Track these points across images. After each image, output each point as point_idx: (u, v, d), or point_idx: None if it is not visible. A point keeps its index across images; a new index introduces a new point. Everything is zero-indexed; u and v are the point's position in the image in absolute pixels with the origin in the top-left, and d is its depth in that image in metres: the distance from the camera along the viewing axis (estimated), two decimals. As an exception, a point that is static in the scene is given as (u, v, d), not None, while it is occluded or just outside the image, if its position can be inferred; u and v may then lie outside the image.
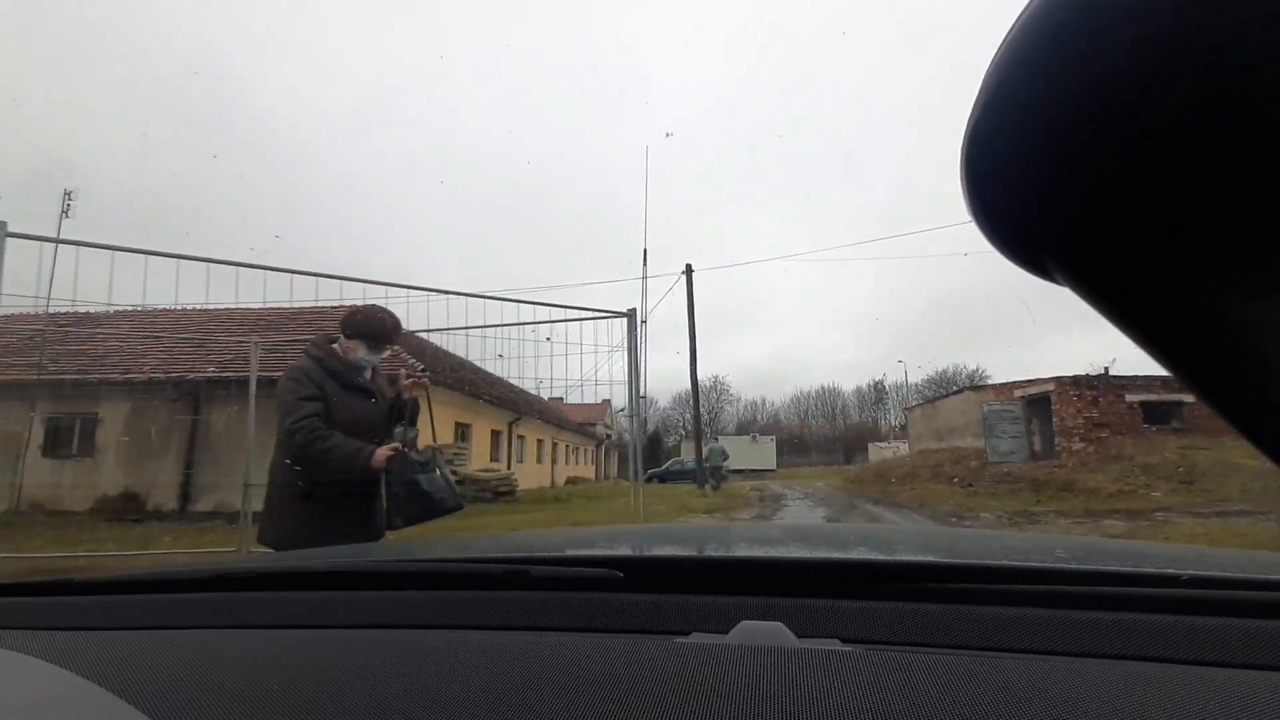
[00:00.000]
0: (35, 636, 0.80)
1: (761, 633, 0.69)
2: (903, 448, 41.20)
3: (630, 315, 6.81)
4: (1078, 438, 16.38)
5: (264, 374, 8.59)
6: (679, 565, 0.97)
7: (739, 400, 78.70)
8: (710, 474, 20.07)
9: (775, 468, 50.95)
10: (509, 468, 20.82)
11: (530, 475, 22.87)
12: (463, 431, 17.81)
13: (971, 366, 62.45)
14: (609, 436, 44.64)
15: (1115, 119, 0.18)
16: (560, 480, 29.44)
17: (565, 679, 0.61)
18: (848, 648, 0.66)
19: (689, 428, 71.77)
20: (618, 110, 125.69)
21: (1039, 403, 18.30)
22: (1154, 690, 0.55)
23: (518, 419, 21.33)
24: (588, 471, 38.59)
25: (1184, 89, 0.17)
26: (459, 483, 12.22)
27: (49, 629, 0.84)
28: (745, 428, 66.79)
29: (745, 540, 1.34)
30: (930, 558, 0.98)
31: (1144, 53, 0.17)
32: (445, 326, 7.84)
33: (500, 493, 14.36)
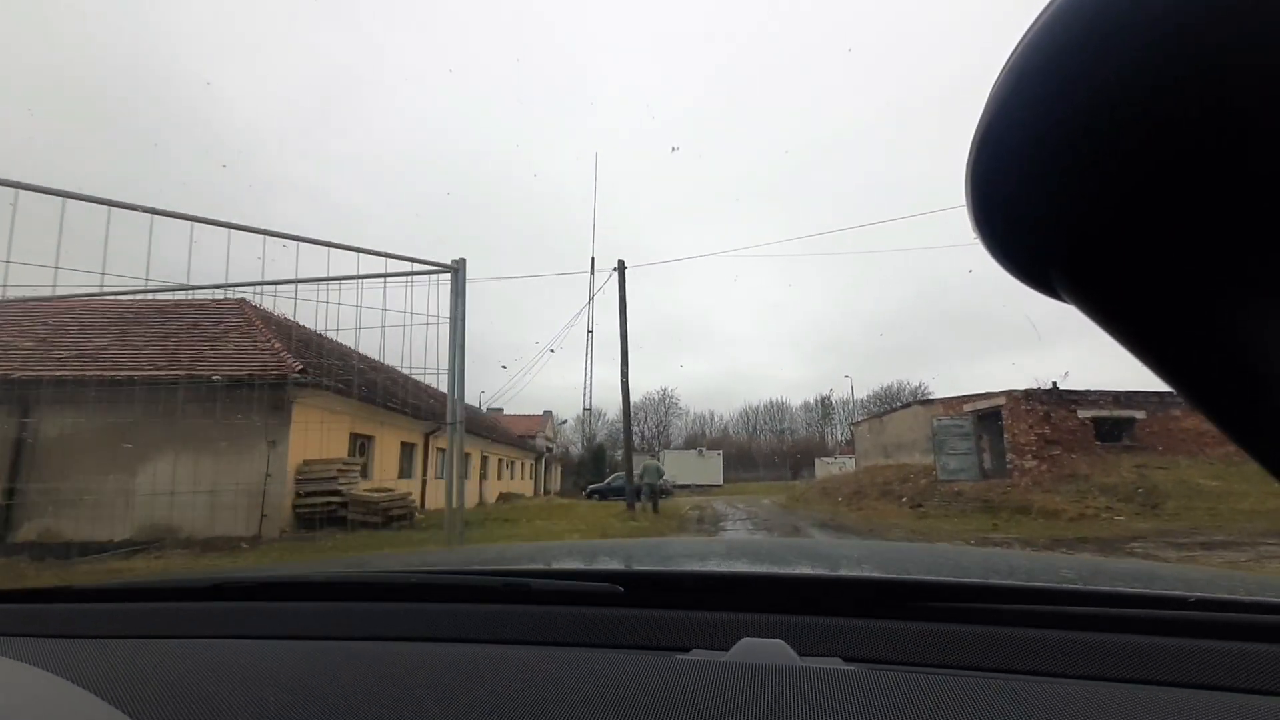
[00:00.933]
0: (32, 643, 0.81)
1: (763, 650, 0.69)
2: (849, 464, 40.67)
3: (456, 270, 5.19)
4: (1030, 455, 15.49)
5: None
6: (680, 580, 0.95)
7: (687, 414, 77.72)
8: (646, 493, 18.26)
9: (722, 483, 49.86)
10: (424, 485, 18.64)
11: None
12: (362, 445, 15.59)
13: (915, 383, 63.18)
14: (549, 449, 42.50)
15: (1117, 138, 0.19)
16: (492, 497, 27.24)
17: (566, 695, 0.61)
18: (850, 667, 0.66)
19: (645, 441, 71.13)
20: (565, 117, 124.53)
21: (989, 418, 17.44)
22: (1162, 716, 0.56)
23: (436, 430, 19.16)
24: (526, 487, 36.37)
25: (1184, 108, 0.17)
26: (342, 505, 10.08)
27: (46, 636, 0.86)
28: (694, 441, 65.68)
29: (747, 555, 1.34)
30: (934, 576, 0.92)
31: (1144, 74, 0.18)
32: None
33: (394, 516, 12.27)
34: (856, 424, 29.45)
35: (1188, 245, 0.20)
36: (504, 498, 28.27)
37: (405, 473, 18.24)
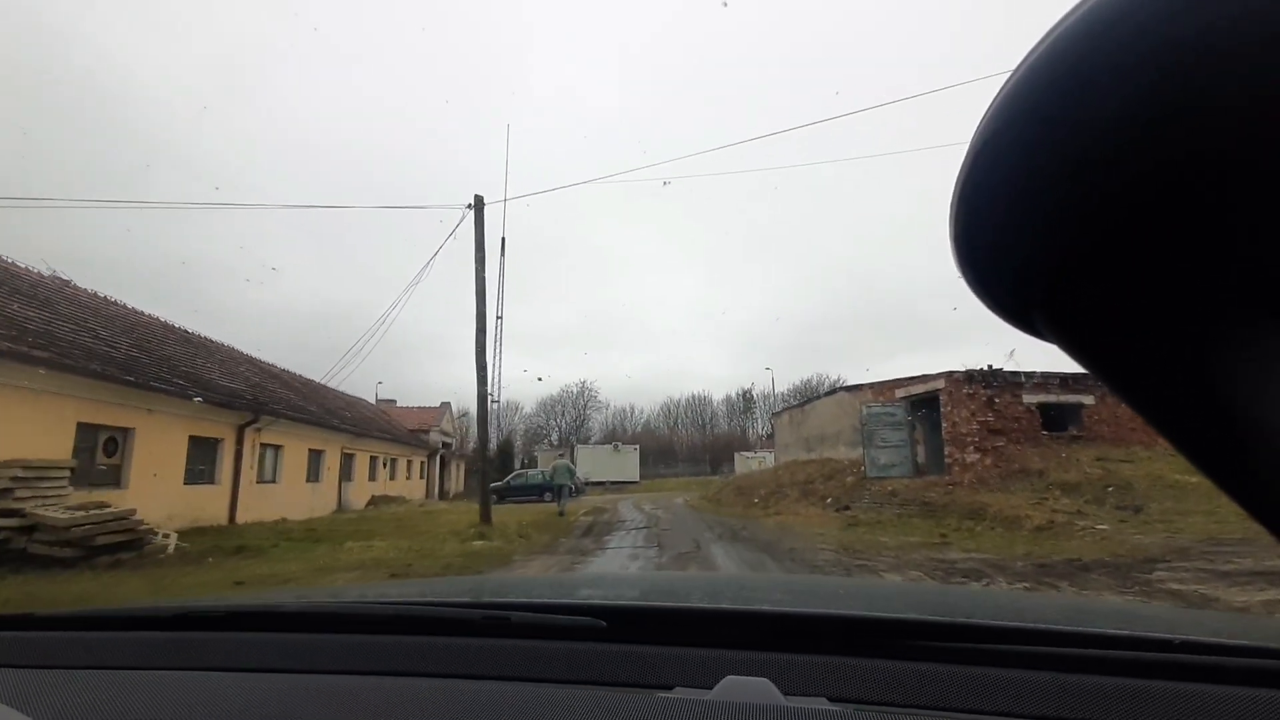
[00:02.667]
0: None
1: (747, 689, 0.68)
2: (769, 458, 38.73)
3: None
4: (971, 447, 13.20)
5: None
6: (663, 615, 0.94)
7: (607, 408, 74.50)
8: (554, 493, 17.21)
9: (639, 479, 46.96)
10: (236, 493, 14.40)
11: (283, 501, 16.45)
12: (110, 441, 11.24)
13: (834, 377, 62.70)
14: (447, 445, 37.97)
15: (1097, 183, 0.19)
16: (360, 502, 22.97)
17: None
18: (835, 707, 0.66)
19: (562, 436, 67.21)
20: (482, 95, 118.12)
21: (924, 405, 15.14)
22: None
23: (253, 421, 14.93)
24: (416, 488, 31.99)
25: (1161, 154, 0.18)
26: (24, 531, 5.27)
27: (7, 666, 0.83)
28: (613, 437, 62.57)
29: (732, 590, 1.37)
30: (920, 615, 0.92)
31: (1123, 121, 0.18)
32: None
33: (100, 548, 8.19)
34: (776, 415, 27.00)
35: (1166, 288, 0.20)
36: (376, 502, 24.03)
37: (205, 477, 13.93)
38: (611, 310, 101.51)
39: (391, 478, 28.48)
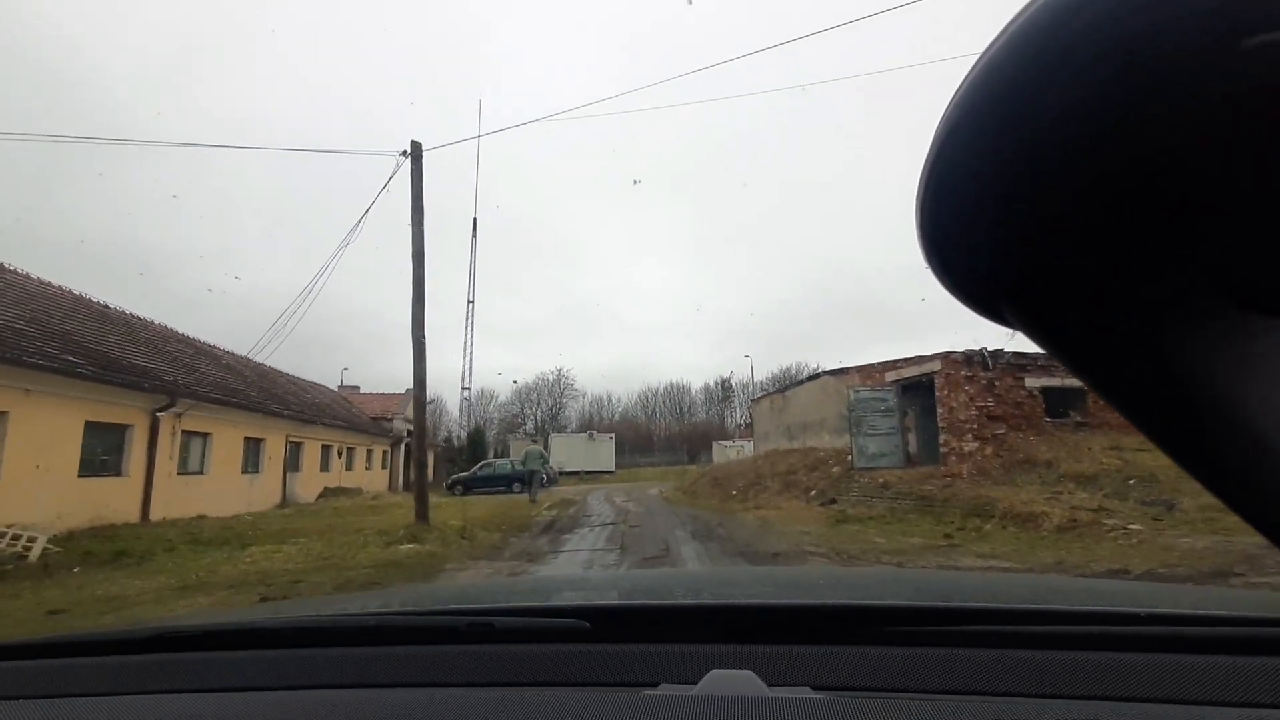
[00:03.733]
0: None
1: (731, 682, 0.68)
2: (748, 448, 37.58)
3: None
4: (970, 435, 12.03)
5: None
6: (646, 614, 0.95)
7: (584, 396, 72.94)
8: (525, 482, 16.58)
9: (614, 469, 45.66)
10: (150, 485, 12.71)
11: (211, 495, 14.73)
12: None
13: (814, 365, 61.86)
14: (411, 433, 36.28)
15: (1059, 174, 0.20)
16: (311, 494, 21.27)
17: None
18: (819, 695, 0.66)
19: (538, 425, 65.37)
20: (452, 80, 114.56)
21: (916, 389, 13.94)
22: None
23: (169, 405, 13.20)
24: (378, 479, 30.26)
25: (1123, 146, 0.18)
26: None
27: None
28: (590, 425, 61.07)
29: (714, 586, 1.38)
30: (896, 601, 0.95)
31: (1084, 113, 0.18)
32: None
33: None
34: (755, 402, 25.64)
35: (1129, 279, 0.21)
36: (329, 494, 22.32)
37: (109, 468, 12.21)
38: (586, 302, 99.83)
39: (349, 468, 26.74)
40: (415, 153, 9.68)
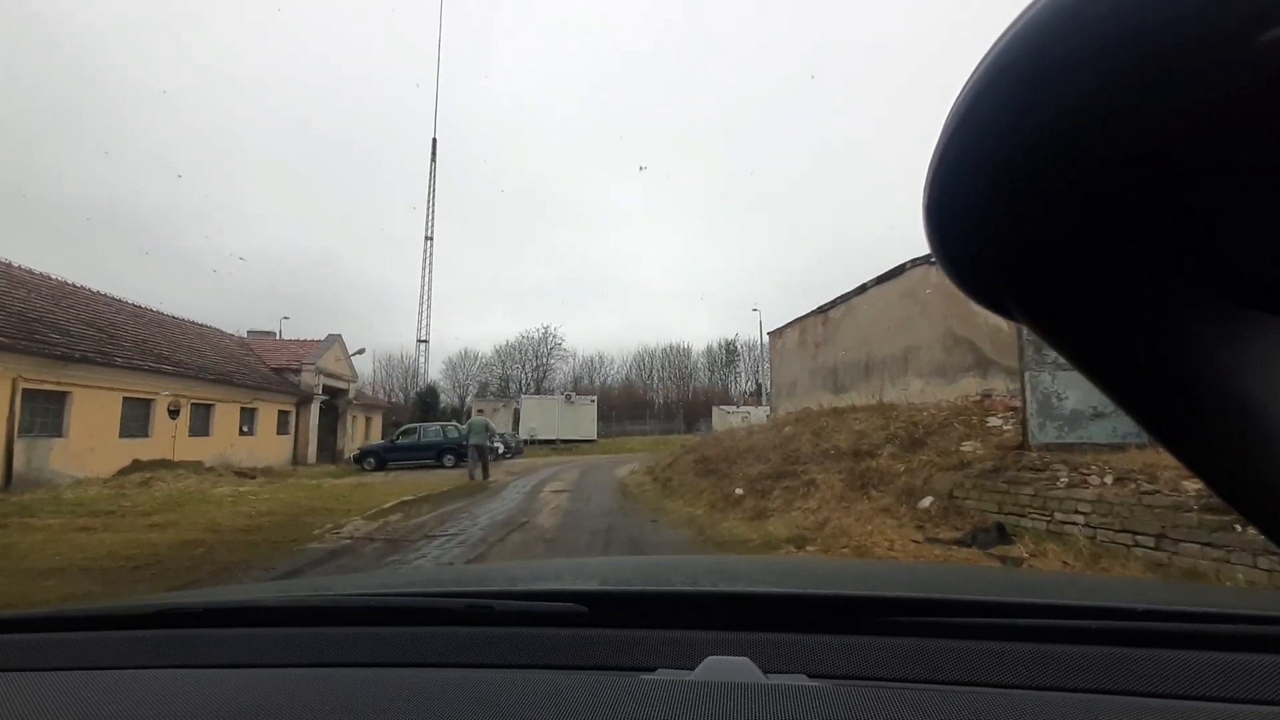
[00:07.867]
0: None
1: (728, 668, 0.69)
2: (755, 414, 29.67)
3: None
4: None
5: None
6: (645, 599, 0.95)
7: (574, 356, 65.22)
8: (473, 456, 14.45)
9: (596, 437, 38.10)
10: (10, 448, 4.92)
11: None
12: None
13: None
14: (337, 391, 28.65)
15: (1064, 167, 0.20)
16: (91, 471, 13.83)
17: (530, 719, 0.61)
18: (815, 683, 0.67)
19: (521, 386, 57.71)
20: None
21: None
22: None
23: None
24: (275, 449, 22.85)
25: (1125, 143, 0.19)
26: None
27: None
28: (580, 388, 53.50)
29: (713, 572, 1.35)
30: (896, 592, 0.93)
31: (1088, 110, 0.19)
32: None
33: None
34: (778, 332, 17.27)
35: (1130, 273, 0.21)
36: (143, 468, 14.87)
37: None
38: (586, 266, 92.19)
39: (207, 433, 19.24)
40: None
